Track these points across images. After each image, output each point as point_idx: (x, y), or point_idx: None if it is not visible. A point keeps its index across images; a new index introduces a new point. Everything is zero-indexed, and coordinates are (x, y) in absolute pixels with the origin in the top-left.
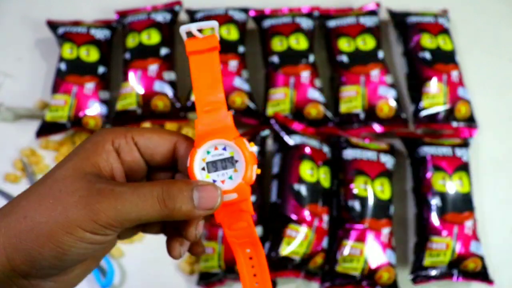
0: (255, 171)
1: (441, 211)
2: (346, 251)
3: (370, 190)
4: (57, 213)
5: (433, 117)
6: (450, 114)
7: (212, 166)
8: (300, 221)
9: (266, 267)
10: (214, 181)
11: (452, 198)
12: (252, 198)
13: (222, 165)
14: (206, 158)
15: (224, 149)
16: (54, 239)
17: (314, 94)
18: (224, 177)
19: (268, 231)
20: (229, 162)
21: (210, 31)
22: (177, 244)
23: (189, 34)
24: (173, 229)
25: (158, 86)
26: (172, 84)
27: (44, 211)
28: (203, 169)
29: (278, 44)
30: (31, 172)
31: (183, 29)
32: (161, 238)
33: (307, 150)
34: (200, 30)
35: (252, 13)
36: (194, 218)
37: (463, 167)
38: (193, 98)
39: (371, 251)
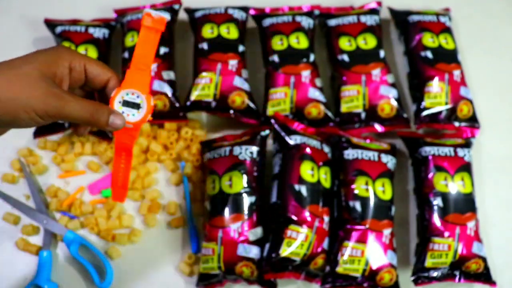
0: (148, 117)
1: (443, 212)
2: (347, 252)
3: (371, 190)
4: (23, 97)
5: (434, 117)
6: (452, 114)
7: (126, 103)
8: (300, 222)
9: (129, 168)
10: (123, 112)
11: (454, 198)
12: (252, 199)
13: (131, 105)
14: (124, 97)
15: (138, 97)
16: (13, 113)
17: (314, 93)
18: (129, 113)
19: (268, 231)
20: (136, 105)
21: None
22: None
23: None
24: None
25: (157, 85)
26: (171, 83)
27: (11, 93)
28: (119, 102)
29: (278, 43)
30: (28, 172)
31: (146, 10)
32: (161, 240)
33: (308, 150)
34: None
35: (252, 12)
36: (104, 129)
37: (465, 167)
38: (192, 97)
39: (372, 252)
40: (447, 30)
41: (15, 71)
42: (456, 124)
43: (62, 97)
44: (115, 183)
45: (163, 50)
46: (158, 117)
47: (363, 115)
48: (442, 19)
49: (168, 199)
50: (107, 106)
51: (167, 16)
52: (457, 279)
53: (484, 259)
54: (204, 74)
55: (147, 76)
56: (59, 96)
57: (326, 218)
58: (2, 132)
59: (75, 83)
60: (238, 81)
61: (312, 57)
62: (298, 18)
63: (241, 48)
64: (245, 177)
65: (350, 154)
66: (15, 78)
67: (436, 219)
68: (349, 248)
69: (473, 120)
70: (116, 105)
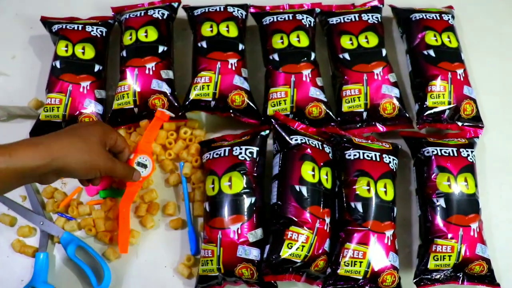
0: (151, 173)
1: (446, 213)
2: (348, 254)
3: (373, 191)
4: (96, 161)
5: (437, 117)
6: (455, 114)
7: (138, 163)
8: (301, 223)
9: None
10: (139, 169)
11: (457, 199)
12: (252, 199)
13: (141, 165)
14: (138, 160)
15: (146, 160)
16: (89, 170)
17: (315, 93)
18: (140, 170)
19: (269, 233)
20: (144, 165)
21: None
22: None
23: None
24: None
25: (155, 84)
26: (170, 82)
27: (90, 157)
28: (135, 163)
29: (278, 41)
30: None
31: (159, 109)
32: (159, 241)
33: (309, 150)
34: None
35: (252, 10)
36: (128, 181)
37: (469, 168)
38: (191, 97)
39: (374, 254)
40: (450, 28)
41: (87, 141)
42: (460, 123)
43: (113, 160)
44: (125, 234)
45: (161, 48)
46: None
47: (364, 115)
48: (445, 17)
49: (167, 200)
50: (133, 167)
51: (172, 114)
52: (460, 281)
53: (487, 261)
54: (203, 73)
55: (151, 147)
56: (112, 160)
57: (327, 219)
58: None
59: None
60: (238, 80)
61: (313, 56)
62: (298, 16)
63: (241, 46)
64: (245, 177)
65: (351, 154)
66: (88, 147)
67: (439, 221)
68: (351, 249)
69: (476, 120)
70: (134, 165)
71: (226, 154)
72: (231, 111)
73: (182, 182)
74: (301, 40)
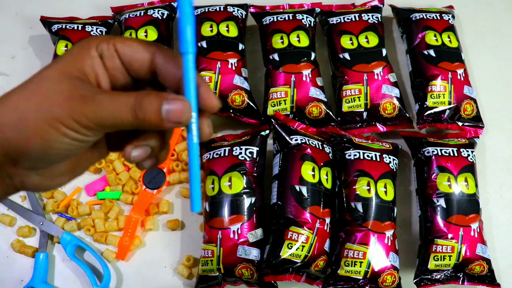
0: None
1: (446, 213)
2: (348, 254)
3: (373, 191)
4: (43, 108)
5: (438, 117)
6: (455, 114)
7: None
8: (301, 223)
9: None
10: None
11: (458, 199)
12: (252, 199)
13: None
14: None
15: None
16: (40, 132)
17: (315, 92)
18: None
19: (269, 233)
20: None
21: None
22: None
23: None
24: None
25: None
26: None
27: (32, 105)
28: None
29: (278, 41)
30: None
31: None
32: (158, 241)
33: (309, 150)
34: None
35: (252, 10)
36: (165, 129)
37: (469, 168)
38: None
39: (374, 254)
40: (450, 28)
41: (33, 79)
42: (460, 123)
43: (90, 97)
44: (128, 243)
45: None
46: None
47: (365, 115)
48: (446, 17)
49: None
50: (157, 92)
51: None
52: (460, 281)
53: (488, 261)
54: (203, 73)
55: (167, 162)
56: (87, 97)
57: (327, 220)
58: (56, 183)
59: (119, 79)
60: (238, 80)
61: (313, 56)
62: (299, 16)
63: (240, 46)
64: (244, 177)
65: (352, 154)
66: (32, 87)
67: (439, 221)
68: (351, 250)
69: (477, 120)
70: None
71: (226, 154)
72: (231, 111)
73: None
74: (301, 40)
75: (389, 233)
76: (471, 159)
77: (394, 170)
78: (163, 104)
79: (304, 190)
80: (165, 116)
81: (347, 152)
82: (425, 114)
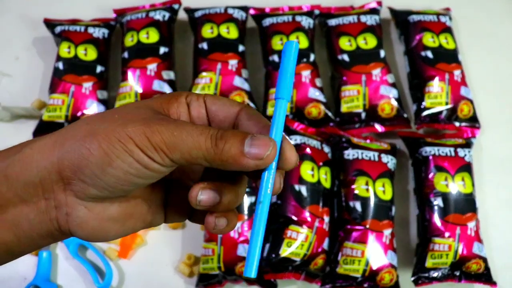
0: None
1: (444, 212)
2: (347, 252)
3: (372, 190)
4: (117, 124)
5: (435, 117)
6: (452, 114)
7: None
8: (300, 222)
9: None
10: None
11: (455, 199)
12: (252, 199)
13: None
14: None
15: None
16: (105, 142)
17: (315, 93)
18: None
19: (268, 232)
20: None
21: None
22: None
23: None
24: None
25: (157, 85)
26: (171, 83)
27: (105, 121)
28: None
29: (278, 43)
30: None
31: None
32: (159, 240)
33: (308, 150)
34: None
35: (252, 12)
36: (243, 167)
37: (466, 168)
38: None
39: (373, 252)
40: (447, 30)
41: (115, 108)
42: (457, 124)
43: (171, 120)
44: (130, 242)
45: (162, 49)
46: None
47: (363, 115)
48: (443, 18)
49: None
50: (236, 130)
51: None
52: (457, 279)
53: (484, 260)
54: (204, 74)
55: None
56: (166, 120)
57: (326, 219)
58: (102, 229)
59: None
60: (238, 81)
61: (312, 57)
62: (298, 18)
63: (241, 48)
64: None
65: (350, 154)
66: (112, 110)
67: (437, 219)
68: (349, 248)
69: (473, 120)
70: None
71: None
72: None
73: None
74: (300, 41)
75: (387, 231)
76: (468, 159)
77: (392, 169)
78: (247, 136)
79: (303, 189)
80: (248, 149)
81: (345, 152)
82: (422, 114)
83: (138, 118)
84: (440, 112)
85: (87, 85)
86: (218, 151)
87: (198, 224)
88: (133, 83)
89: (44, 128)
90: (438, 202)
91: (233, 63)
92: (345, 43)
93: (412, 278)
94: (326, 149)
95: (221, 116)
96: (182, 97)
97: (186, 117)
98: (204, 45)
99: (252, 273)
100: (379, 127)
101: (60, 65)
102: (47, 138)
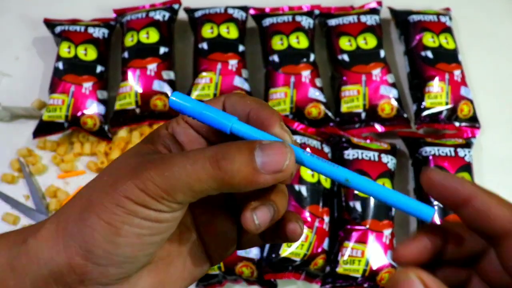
0: None
1: (443, 212)
2: (347, 252)
3: None
4: (108, 186)
5: (435, 117)
6: (452, 114)
7: None
8: None
9: None
10: None
11: None
12: None
13: None
14: None
15: None
16: (103, 212)
17: (314, 93)
18: None
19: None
20: None
21: None
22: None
23: None
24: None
25: (157, 85)
26: (171, 83)
27: (97, 187)
28: None
29: (278, 43)
30: (28, 173)
31: None
32: None
33: (308, 150)
34: None
35: (252, 12)
36: (260, 186)
37: (466, 168)
38: (192, 97)
39: (373, 252)
40: (447, 30)
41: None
42: (457, 124)
43: (158, 160)
44: None
45: (162, 50)
46: (159, 118)
47: (363, 115)
48: (443, 18)
49: None
50: (239, 142)
51: None
52: None
53: None
54: (204, 74)
55: None
56: (154, 161)
57: (326, 219)
58: None
59: (195, 147)
60: (238, 81)
61: (312, 57)
62: (298, 18)
63: (241, 48)
64: None
65: (350, 154)
66: (103, 171)
67: (436, 220)
68: (349, 248)
69: (473, 120)
70: None
71: None
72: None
73: None
74: (300, 41)
75: (387, 231)
76: (468, 159)
77: (392, 169)
78: (255, 146)
79: (303, 189)
80: (260, 162)
81: (345, 152)
82: (422, 114)
83: (126, 171)
84: (440, 112)
85: (87, 85)
86: (225, 175)
87: None
88: (133, 83)
89: (44, 128)
90: (437, 202)
91: (233, 63)
92: (345, 43)
93: None
94: (326, 149)
95: (215, 132)
96: (162, 129)
97: (177, 148)
98: (204, 45)
99: (432, 211)
100: (379, 127)
101: (60, 65)
102: (48, 223)
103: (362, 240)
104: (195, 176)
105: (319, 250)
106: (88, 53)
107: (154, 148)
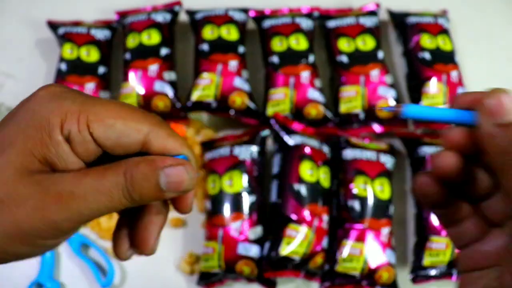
0: None
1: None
2: (346, 251)
3: (370, 190)
4: (6, 227)
5: None
6: None
7: None
8: (300, 221)
9: None
10: None
11: None
12: (252, 198)
13: None
14: None
15: None
16: (10, 254)
17: (314, 94)
18: None
19: (268, 231)
20: None
21: None
22: (125, 242)
23: None
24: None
25: (158, 86)
26: (172, 84)
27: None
28: None
29: (278, 44)
30: None
31: None
32: (161, 238)
33: (307, 150)
34: None
35: (252, 14)
36: (167, 199)
37: None
38: (193, 98)
39: (371, 251)
40: (444, 31)
41: None
42: (454, 124)
43: (69, 196)
44: None
45: (164, 51)
46: None
47: (362, 116)
48: (440, 20)
49: None
50: (149, 161)
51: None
52: (454, 277)
53: None
54: (204, 75)
55: None
56: (64, 199)
57: (325, 217)
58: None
59: (91, 157)
60: (238, 82)
61: (311, 58)
62: (297, 20)
63: (241, 49)
64: (245, 176)
65: (349, 154)
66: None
67: (434, 218)
68: (348, 246)
69: None
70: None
71: (227, 153)
72: (231, 111)
73: None
74: (300, 42)
75: (385, 230)
76: None
77: (390, 169)
78: (159, 173)
79: (302, 188)
80: (165, 186)
81: (344, 151)
82: None
83: (29, 211)
84: None
85: (90, 86)
86: (137, 202)
87: (199, 224)
88: (134, 84)
89: None
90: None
91: (233, 64)
92: (344, 44)
93: (410, 276)
94: (325, 149)
95: (122, 150)
96: (56, 130)
97: (74, 161)
98: (205, 47)
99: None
100: (377, 127)
101: (63, 66)
102: None
103: (361, 239)
104: (112, 208)
105: (318, 248)
106: (91, 54)
107: (45, 162)
